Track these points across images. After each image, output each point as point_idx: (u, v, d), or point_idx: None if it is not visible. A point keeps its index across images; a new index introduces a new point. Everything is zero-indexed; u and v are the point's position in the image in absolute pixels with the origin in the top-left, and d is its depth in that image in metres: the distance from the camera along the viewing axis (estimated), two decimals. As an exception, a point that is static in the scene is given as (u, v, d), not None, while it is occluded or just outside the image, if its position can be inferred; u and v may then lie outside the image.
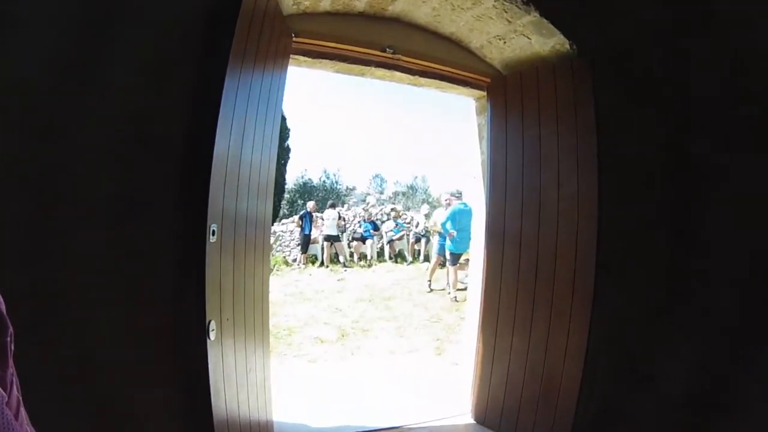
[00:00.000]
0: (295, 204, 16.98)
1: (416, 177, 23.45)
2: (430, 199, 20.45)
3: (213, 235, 1.39)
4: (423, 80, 2.56)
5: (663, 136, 2.27)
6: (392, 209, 10.83)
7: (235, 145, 1.59)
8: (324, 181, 19.11)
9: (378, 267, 9.07)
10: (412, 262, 9.27)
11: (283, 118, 17.92)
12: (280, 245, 11.38)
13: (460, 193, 6.14)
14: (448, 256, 6.09)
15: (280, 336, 4.61)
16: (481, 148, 2.79)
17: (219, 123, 1.42)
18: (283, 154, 18.03)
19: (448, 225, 5.93)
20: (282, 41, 2.05)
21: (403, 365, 3.77)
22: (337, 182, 19.32)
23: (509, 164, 2.47)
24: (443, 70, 2.53)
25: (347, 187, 20.59)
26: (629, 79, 2.28)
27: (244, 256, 1.75)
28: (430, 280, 6.73)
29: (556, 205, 2.29)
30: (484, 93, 2.70)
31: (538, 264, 2.34)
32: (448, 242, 6.06)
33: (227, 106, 1.50)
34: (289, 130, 18.19)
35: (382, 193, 21.26)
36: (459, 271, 6.14)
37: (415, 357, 4.01)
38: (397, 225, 9.96)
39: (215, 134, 1.38)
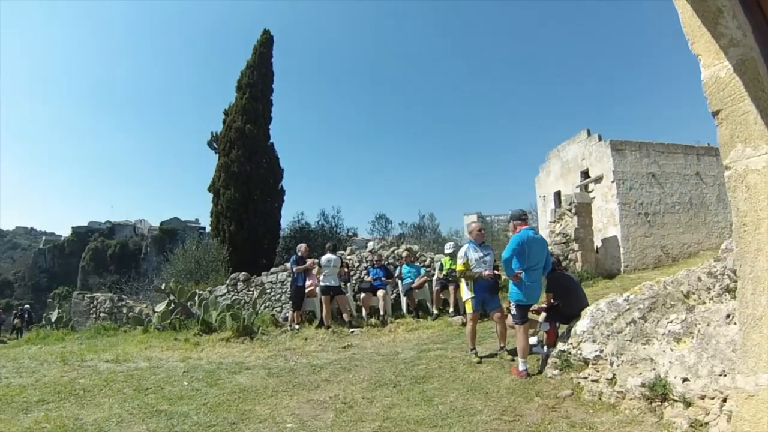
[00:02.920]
0: (291, 251, 15.07)
1: (423, 216, 21.79)
2: (440, 239, 18.54)
3: None
4: None
5: None
6: (406, 249, 8.83)
7: None
8: (323, 225, 17.21)
9: (395, 325, 6.95)
10: (438, 316, 7.15)
11: (276, 158, 16.43)
12: (270, 300, 9.32)
13: (526, 215, 4.21)
14: (513, 310, 4.01)
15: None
16: None
17: None
18: (277, 196, 16.36)
19: (512, 262, 3.88)
20: None
21: None
22: (336, 225, 17.42)
23: None
24: None
25: (348, 231, 18.75)
26: None
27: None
28: (474, 348, 4.60)
29: None
30: None
31: None
32: (508, 285, 4.00)
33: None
34: (282, 170, 16.62)
35: (383, 238, 19.48)
36: (529, 331, 4.05)
37: None
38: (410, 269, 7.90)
39: None
